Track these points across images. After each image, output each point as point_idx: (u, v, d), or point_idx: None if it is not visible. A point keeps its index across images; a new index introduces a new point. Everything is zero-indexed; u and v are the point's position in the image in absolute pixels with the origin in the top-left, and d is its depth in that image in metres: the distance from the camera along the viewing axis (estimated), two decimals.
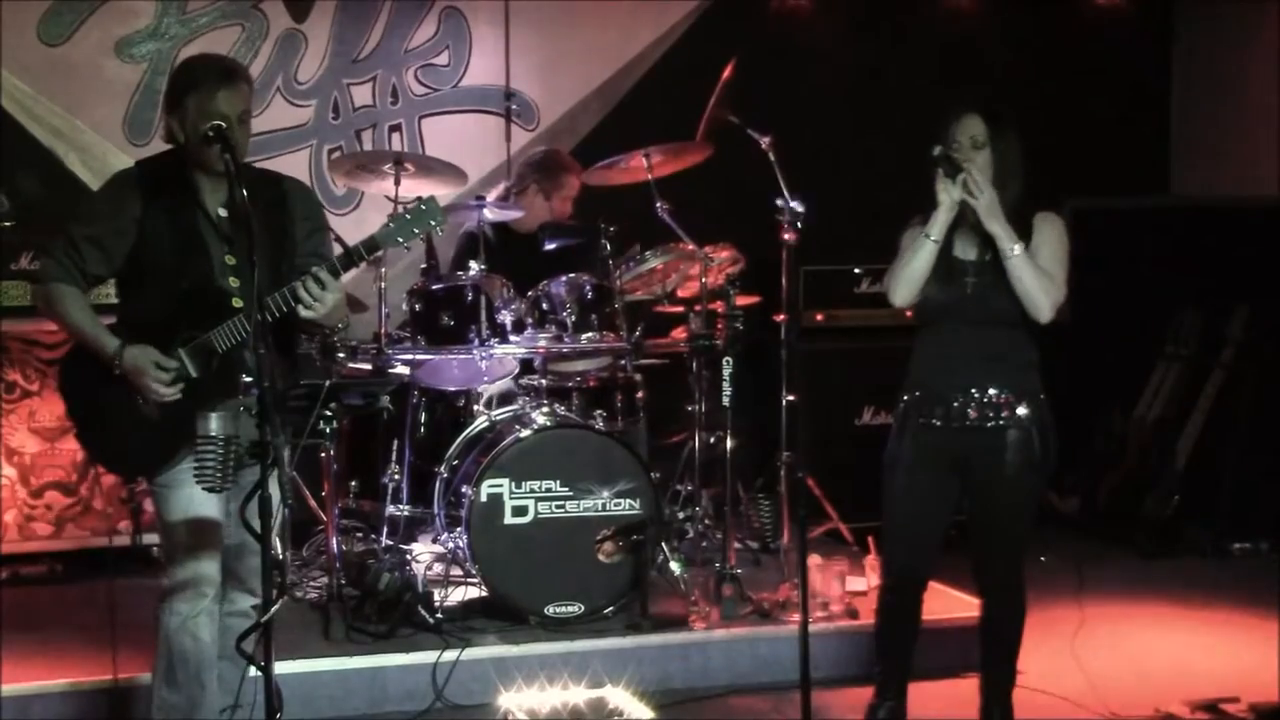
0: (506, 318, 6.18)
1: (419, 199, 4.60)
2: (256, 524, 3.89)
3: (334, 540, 6.15)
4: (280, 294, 4.33)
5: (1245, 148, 8.52)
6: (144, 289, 4.48)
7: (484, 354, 6.11)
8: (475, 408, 6.49)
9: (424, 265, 6.61)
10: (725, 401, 6.32)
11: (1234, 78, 8.64)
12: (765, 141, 5.93)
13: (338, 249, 4.72)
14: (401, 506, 6.42)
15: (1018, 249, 4.68)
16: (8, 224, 4.83)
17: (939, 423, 4.84)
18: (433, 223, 4.54)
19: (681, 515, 6.83)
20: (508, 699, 5.10)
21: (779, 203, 5.42)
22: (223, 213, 4.48)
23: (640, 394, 6.61)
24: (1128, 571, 7.47)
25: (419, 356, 6.23)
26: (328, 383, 5.70)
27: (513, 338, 6.18)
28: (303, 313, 4.36)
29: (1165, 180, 9.17)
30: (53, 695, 5.30)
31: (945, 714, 5.42)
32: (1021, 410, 4.78)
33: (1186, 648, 6.31)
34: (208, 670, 4.53)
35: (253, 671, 4.05)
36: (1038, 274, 4.69)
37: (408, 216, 4.53)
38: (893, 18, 8.51)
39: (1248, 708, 5.28)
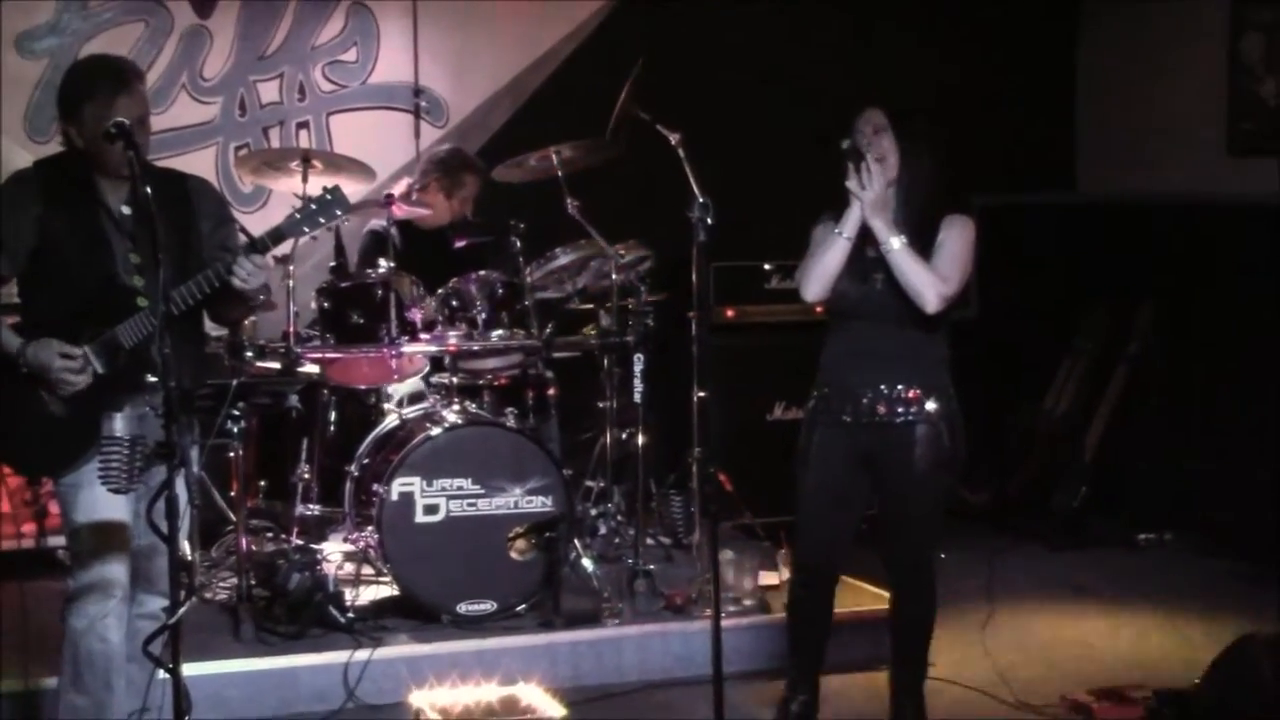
0: (416, 315, 6.16)
1: (324, 189, 4.59)
2: (164, 525, 3.85)
3: (243, 540, 6.09)
4: (198, 279, 4.30)
5: (1151, 146, 8.61)
6: (47, 288, 4.43)
7: (394, 352, 6.08)
8: (385, 406, 6.45)
9: (333, 263, 6.56)
10: (636, 398, 6.34)
11: (1140, 75, 8.73)
12: (675, 138, 5.92)
13: (243, 240, 4.69)
14: (311, 506, 6.36)
15: (896, 243, 4.73)
16: None
17: (849, 419, 4.88)
18: (338, 212, 4.56)
19: (594, 512, 6.83)
20: (420, 698, 5.09)
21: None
22: (126, 210, 4.43)
23: (552, 391, 6.62)
24: (1036, 563, 7.54)
25: (328, 354, 6.19)
26: (235, 382, 5.67)
27: (423, 335, 6.16)
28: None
29: (1072, 178, 9.26)
30: None
31: (857, 706, 5.47)
32: (930, 405, 4.82)
33: (1093, 637, 6.39)
34: (116, 673, 4.47)
35: (161, 674, 4.01)
36: (920, 267, 4.73)
37: (313, 206, 4.54)
38: (800, 14, 8.52)
39: (1151, 693, 5.35)
